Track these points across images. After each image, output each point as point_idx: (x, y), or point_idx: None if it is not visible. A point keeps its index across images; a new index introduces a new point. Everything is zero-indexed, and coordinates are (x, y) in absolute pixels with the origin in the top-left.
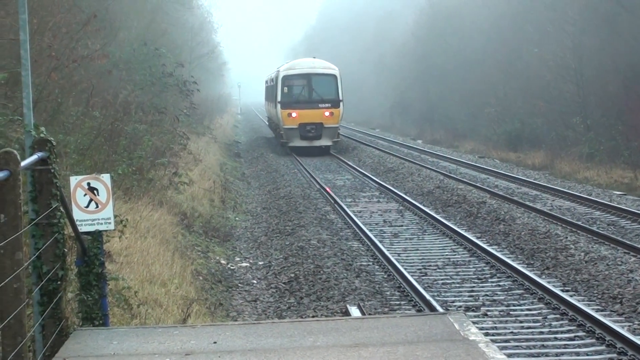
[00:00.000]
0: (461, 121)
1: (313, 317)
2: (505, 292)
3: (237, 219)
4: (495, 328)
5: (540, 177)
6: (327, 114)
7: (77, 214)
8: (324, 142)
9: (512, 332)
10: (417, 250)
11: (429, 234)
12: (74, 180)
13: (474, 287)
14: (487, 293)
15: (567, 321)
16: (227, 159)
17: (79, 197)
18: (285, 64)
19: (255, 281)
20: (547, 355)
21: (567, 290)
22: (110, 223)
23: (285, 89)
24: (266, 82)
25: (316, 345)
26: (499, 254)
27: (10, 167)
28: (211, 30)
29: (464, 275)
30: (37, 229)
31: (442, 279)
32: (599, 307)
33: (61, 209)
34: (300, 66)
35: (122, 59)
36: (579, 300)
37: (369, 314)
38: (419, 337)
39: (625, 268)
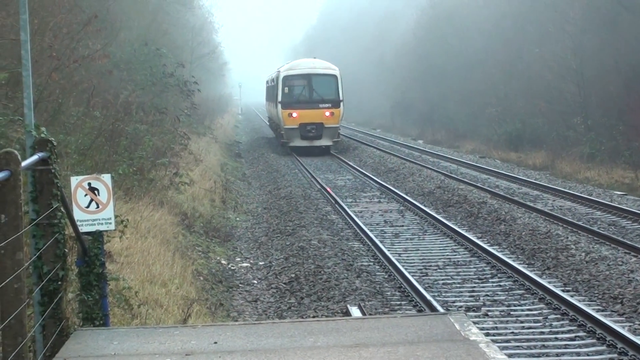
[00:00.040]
0: (462, 121)
1: (314, 317)
2: (506, 293)
3: (237, 219)
4: (496, 328)
5: (541, 177)
6: (327, 114)
7: (77, 214)
8: (325, 142)
9: (512, 333)
10: (418, 250)
11: (429, 234)
12: (74, 180)
13: (474, 287)
14: (488, 293)
15: (567, 321)
16: (227, 159)
17: (80, 198)
18: (286, 64)
19: (255, 281)
20: (547, 355)
21: (568, 291)
22: (110, 223)
23: (286, 89)
24: (267, 82)
25: (317, 346)
26: (499, 254)
27: (11, 167)
28: (212, 31)
29: (465, 275)
30: (37, 229)
31: (442, 279)
32: (599, 308)
33: (62, 209)
34: (300, 66)
35: (123, 59)
36: (579, 301)
37: (370, 314)
38: (419, 337)
39: (626, 268)
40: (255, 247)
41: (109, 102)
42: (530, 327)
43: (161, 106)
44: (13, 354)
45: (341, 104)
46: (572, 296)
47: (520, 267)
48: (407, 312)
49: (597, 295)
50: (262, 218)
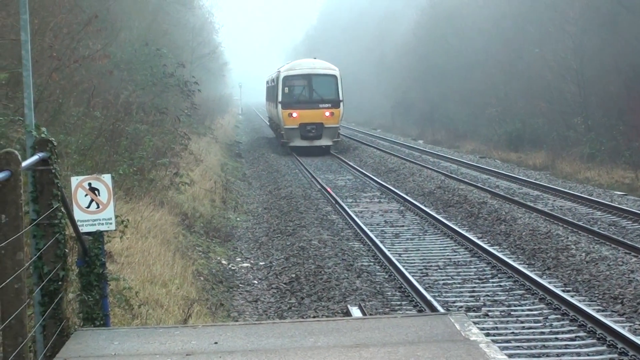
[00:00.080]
0: (462, 121)
1: (314, 317)
2: (506, 293)
3: (238, 219)
4: (496, 328)
5: (541, 177)
6: (327, 114)
7: (78, 215)
8: (325, 142)
9: (513, 333)
10: (418, 250)
11: (430, 234)
12: (75, 180)
13: (475, 287)
14: (488, 293)
15: (568, 321)
16: (228, 159)
17: (80, 198)
18: (286, 65)
19: (256, 281)
20: (548, 355)
21: (568, 291)
22: (111, 223)
23: (286, 89)
24: (267, 82)
25: (317, 346)
26: (500, 255)
27: (12, 168)
28: (212, 31)
29: (465, 275)
30: (38, 230)
31: (443, 280)
32: (600, 308)
33: (62, 209)
34: (300, 67)
35: (123, 59)
36: (580, 301)
37: (370, 315)
38: (420, 337)
39: (626, 268)
40: (255, 247)
41: (109, 102)
42: (530, 327)
43: (161, 106)
44: (13, 354)
45: (341, 104)
46: (572, 296)
47: (520, 267)
48: (407, 312)
49: (597, 295)
50: (262, 218)
